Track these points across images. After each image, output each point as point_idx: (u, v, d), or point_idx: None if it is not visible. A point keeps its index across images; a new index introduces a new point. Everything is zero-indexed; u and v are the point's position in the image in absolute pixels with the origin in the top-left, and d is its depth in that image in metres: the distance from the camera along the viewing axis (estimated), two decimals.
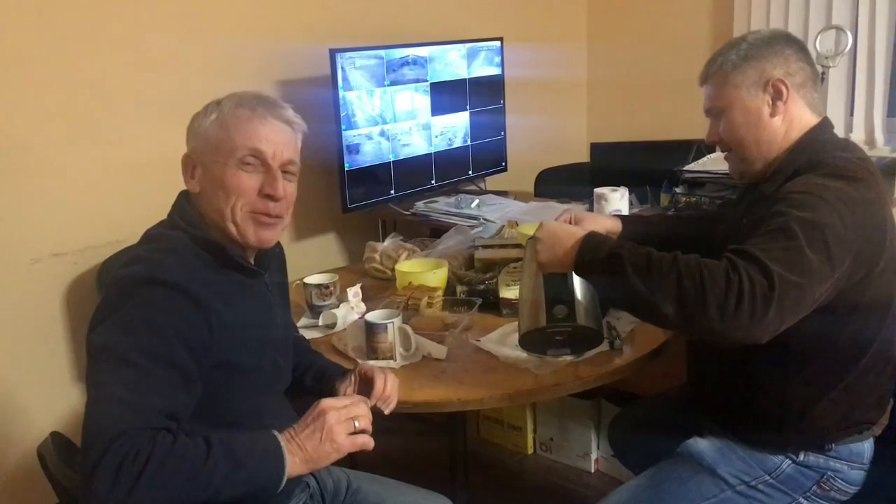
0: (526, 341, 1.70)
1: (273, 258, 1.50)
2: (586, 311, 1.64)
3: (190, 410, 1.25)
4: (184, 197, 1.41)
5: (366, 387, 1.55)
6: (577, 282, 1.64)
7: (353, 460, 2.01)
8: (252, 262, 1.43)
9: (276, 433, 1.25)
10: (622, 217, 1.90)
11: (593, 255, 1.47)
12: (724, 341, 1.33)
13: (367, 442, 1.28)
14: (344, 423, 1.26)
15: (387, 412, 1.53)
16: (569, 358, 1.76)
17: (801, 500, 1.58)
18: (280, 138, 1.38)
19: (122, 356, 1.19)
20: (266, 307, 1.46)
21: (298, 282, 2.07)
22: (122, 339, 1.20)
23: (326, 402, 1.28)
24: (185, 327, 1.24)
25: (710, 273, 1.31)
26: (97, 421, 1.15)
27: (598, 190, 2.43)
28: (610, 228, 1.80)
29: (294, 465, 1.23)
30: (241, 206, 1.36)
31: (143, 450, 1.11)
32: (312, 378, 1.61)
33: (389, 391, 1.53)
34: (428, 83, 2.74)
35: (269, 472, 1.21)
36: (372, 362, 1.78)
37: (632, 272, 1.38)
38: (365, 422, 1.29)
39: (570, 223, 1.78)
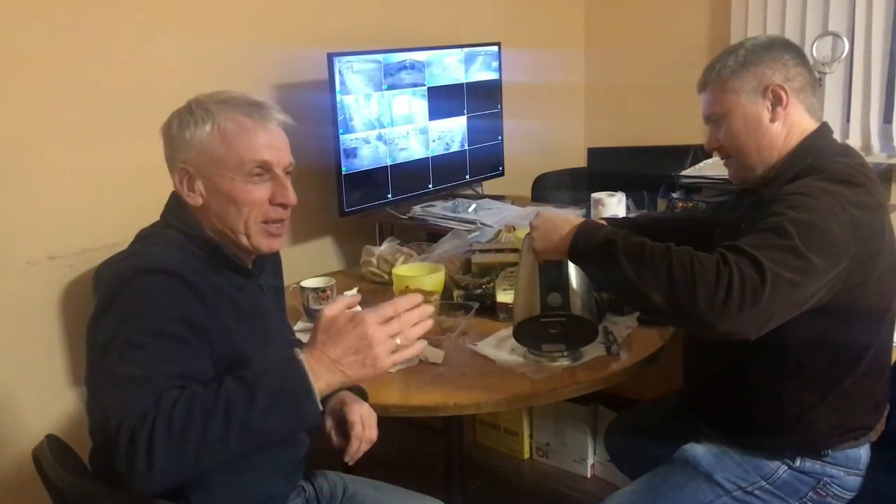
0: (520, 333, 1.71)
1: (268, 261, 1.50)
2: (581, 300, 1.66)
3: (205, 375, 1.21)
4: (175, 197, 1.40)
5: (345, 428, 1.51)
6: (573, 272, 1.66)
7: (348, 465, 2.01)
8: (247, 264, 1.42)
9: (297, 353, 1.18)
10: (608, 220, 1.91)
11: (588, 242, 1.48)
12: (712, 334, 1.33)
13: (415, 351, 1.22)
14: (387, 343, 1.19)
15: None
16: (565, 362, 1.76)
17: None
18: (279, 143, 1.38)
19: (129, 341, 1.18)
20: (261, 309, 1.45)
21: (295, 285, 2.07)
22: (125, 326, 1.20)
23: (369, 318, 1.19)
24: (186, 308, 1.23)
25: (700, 264, 1.32)
26: (110, 408, 1.14)
27: (595, 195, 2.43)
28: None
29: (330, 380, 1.16)
30: (255, 218, 1.36)
31: (148, 413, 1.09)
32: None
33: (362, 450, 1.50)
34: (425, 87, 2.74)
35: (293, 389, 1.14)
36: None
37: (624, 259, 1.39)
38: (406, 336, 1.22)
39: None
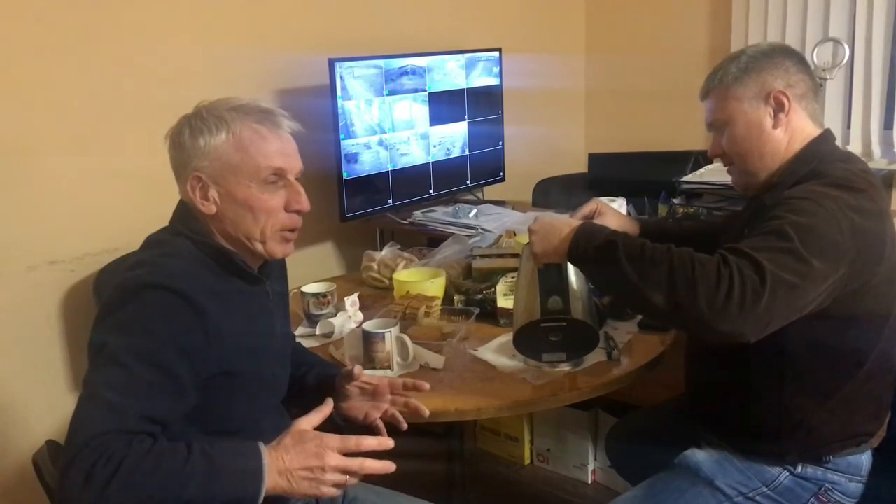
0: (520, 340, 1.71)
1: (275, 266, 1.50)
2: (582, 304, 1.65)
3: (179, 416, 1.24)
4: (184, 205, 1.40)
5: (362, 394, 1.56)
6: (573, 275, 1.65)
7: None
8: (255, 270, 1.43)
9: (262, 447, 1.22)
10: (641, 220, 1.91)
11: (588, 243, 1.49)
12: (711, 335, 1.34)
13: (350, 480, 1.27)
14: (337, 476, 1.24)
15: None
16: (566, 367, 1.76)
17: None
18: (291, 150, 1.39)
19: (114, 357, 1.19)
20: (267, 316, 1.46)
21: (296, 290, 2.07)
22: (116, 339, 1.20)
23: (333, 444, 1.24)
24: (183, 334, 1.24)
25: (701, 266, 1.33)
26: (80, 420, 1.15)
27: (596, 200, 2.43)
28: (627, 229, 1.79)
29: (276, 483, 1.21)
30: (272, 226, 1.37)
31: (117, 453, 1.11)
32: (315, 377, 1.62)
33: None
34: (426, 93, 2.74)
35: (246, 488, 1.20)
36: (369, 372, 1.78)
37: (625, 260, 1.39)
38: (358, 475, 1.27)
39: (595, 213, 1.82)
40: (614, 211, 1.90)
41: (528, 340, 1.71)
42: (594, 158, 3.28)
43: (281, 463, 1.22)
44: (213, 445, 1.22)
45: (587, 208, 1.86)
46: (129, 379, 1.18)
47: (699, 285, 1.31)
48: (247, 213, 1.35)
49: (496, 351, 1.88)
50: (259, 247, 1.38)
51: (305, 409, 1.50)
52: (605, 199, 2.40)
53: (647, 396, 2.20)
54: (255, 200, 1.35)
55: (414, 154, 2.74)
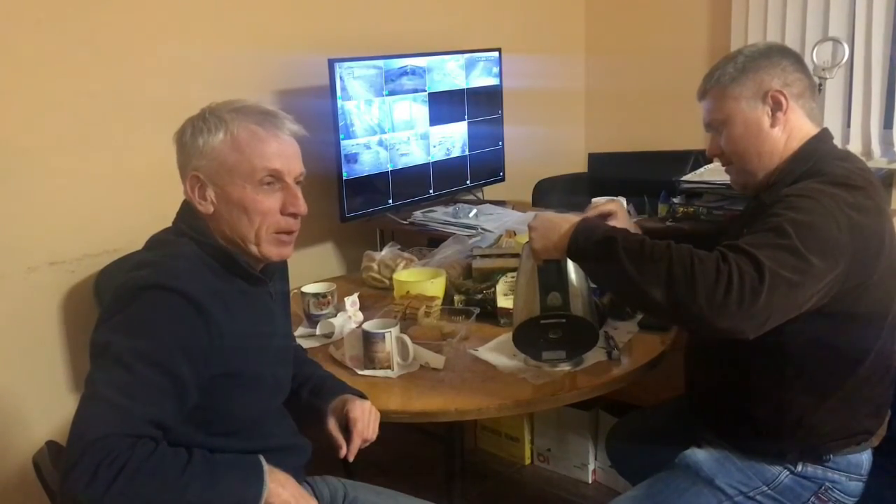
0: (519, 337, 1.70)
1: (276, 267, 1.50)
2: (581, 300, 1.66)
3: (181, 418, 1.25)
4: (188, 205, 1.40)
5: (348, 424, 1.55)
6: (573, 272, 1.65)
7: (349, 470, 2.01)
8: (258, 271, 1.43)
9: (262, 459, 1.27)
10: (643, 228, 1.90)
11: (588, 239, 1.49)
12: (710, 331, 1.34)
13: None
14: None
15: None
16: (566, 367, 1.76)
17: None
18: (290, 152, 1.39)
19: (118, 357, 1.19)
20: (269, 316, 1.46)
21: (296, 291, 2.07)
22: (120, 340, 1.21)
23: None
24: (186, 335, 1.24)
25: (701, 262, 1.33)
26: (83, 420, 1.16)
27: (595, 199, 2.43)
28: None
29: (278, 494, 1.25)
30: (266, 227, 1.37)
31: (121, 455, 1.12)
32: (309, 392, 1.61)
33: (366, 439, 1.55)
34: (426, 93, 2.74)
35: (246, 493, 1.23)
36: (369, 372, 1.78)
37: (624, 256, 1.39)
38: None
39: (609, 214, 1.77)
40: (626, 217, 1.86)
41: (528, 337, 1.71)
42: (594, 158, 3.29)
43: (279, 471, 1.28)
44: (214, 453, 1.24)
45: (605, 207, 1.80)
46: (132, 380, 1.18)
47: (698, 282, 1.31)
48: (242, 214, 1.35)
49: (496, 351, 1.88)
50: (254, 248, 1.38)
51: (295, 421, 1.55)
52: (603, 200, 2.41)
53: (647, 396, 2.20)
54: (249, 201, 1.35)
55: (414, 154, 2.75)
